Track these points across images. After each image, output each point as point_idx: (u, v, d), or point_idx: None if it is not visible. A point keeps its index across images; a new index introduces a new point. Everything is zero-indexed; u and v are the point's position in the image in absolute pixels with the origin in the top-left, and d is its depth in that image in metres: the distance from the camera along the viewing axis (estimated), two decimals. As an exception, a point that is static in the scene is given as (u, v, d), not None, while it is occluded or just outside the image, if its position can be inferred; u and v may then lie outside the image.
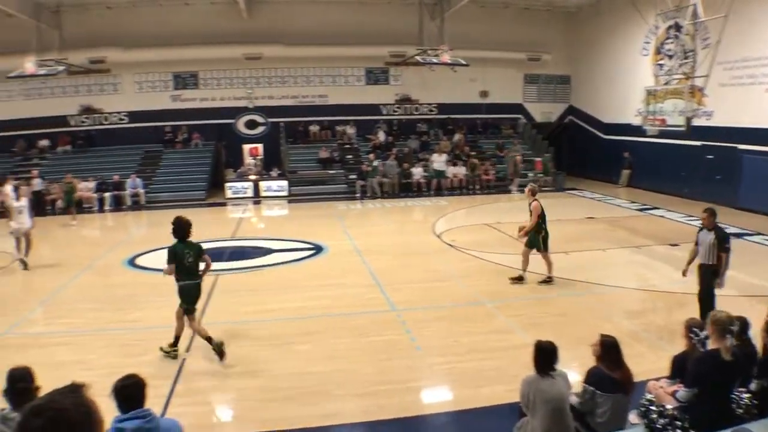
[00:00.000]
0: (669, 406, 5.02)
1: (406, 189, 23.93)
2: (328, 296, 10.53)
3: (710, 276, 8.18)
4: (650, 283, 11.24)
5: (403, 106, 28.12)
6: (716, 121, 19.18)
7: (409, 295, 10.59)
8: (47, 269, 12.98)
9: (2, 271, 12.87)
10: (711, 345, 4.95)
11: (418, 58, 23.32)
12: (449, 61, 22.53)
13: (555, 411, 4.77)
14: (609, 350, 5.03)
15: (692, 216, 16.13)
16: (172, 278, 7.72)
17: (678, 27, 17.94)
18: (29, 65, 20.74)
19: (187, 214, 8.05)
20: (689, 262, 8.63)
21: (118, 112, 25.82)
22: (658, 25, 20.69)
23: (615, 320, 9.05)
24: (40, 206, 19.50)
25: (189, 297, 7.75)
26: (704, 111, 19.18)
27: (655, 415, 5.04)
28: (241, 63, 25.68)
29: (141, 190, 22.47)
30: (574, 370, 5.87)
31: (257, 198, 23.67)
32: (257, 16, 24.78)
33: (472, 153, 25.96)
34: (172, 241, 7.63)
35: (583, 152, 27.97)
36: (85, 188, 21.75)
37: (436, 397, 7.02)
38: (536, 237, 10.80)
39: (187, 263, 7.63)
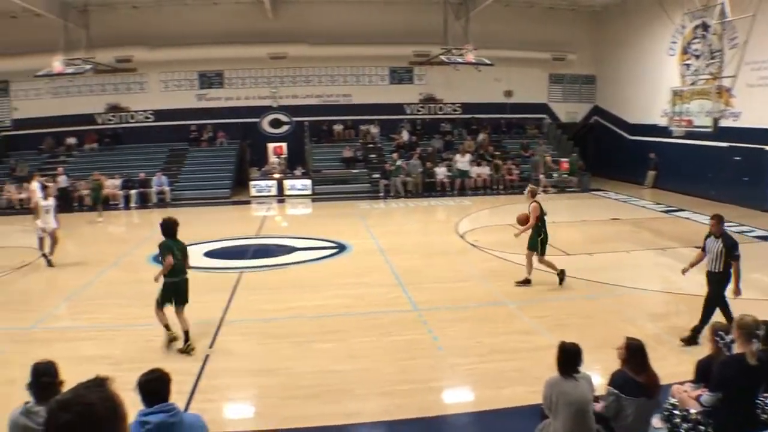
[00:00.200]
0: (693, 411, 4.96)
1: (429, 189, 23.87)
2: (351, 295, 10.55)
3: (717, 284, 7.96)
4: (675, 286, 11.06)
5: (427, 106, 28.06)
6: (744, 122, 18.81)
7: (431, 294, 10.57)
8: (73, 266, 13.12)
9: (28, 267, 13.03)
10: (736, 349, 4.89)
11: (442, 57, 23.30)
12: (474, 61, 22.48)
13: (578, 413, 4.73)
14: (635, 353, 4.95)
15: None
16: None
17: (705, 27, 17.71)
18: (57, 64, 21.17)
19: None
20: (692, 264, 8.46)
21: (144, 111, 26.17)
22: (685, 24, 20.34)
23: (639, 323, 8.95)
24: (67, 203, 19.84)
25: (177, 293, 7.99)
26: (731, 112, 18.86)
27: (678, 420, 4.99)
28: (266, 62, 25.84)
29: (167, 188, 22.66)
30: (597, 372, 5.82)
31: (281, 196, 23.82)
32: (282, 16, 24.92)
33: (497, 153, 25.82)
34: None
35: (609, 153, 27.62)
36: (112, 185, 22.06)
37: (458, 398, 7.01)
38: (536, 239, 10.75)
39: (176, 260, 7.88)
